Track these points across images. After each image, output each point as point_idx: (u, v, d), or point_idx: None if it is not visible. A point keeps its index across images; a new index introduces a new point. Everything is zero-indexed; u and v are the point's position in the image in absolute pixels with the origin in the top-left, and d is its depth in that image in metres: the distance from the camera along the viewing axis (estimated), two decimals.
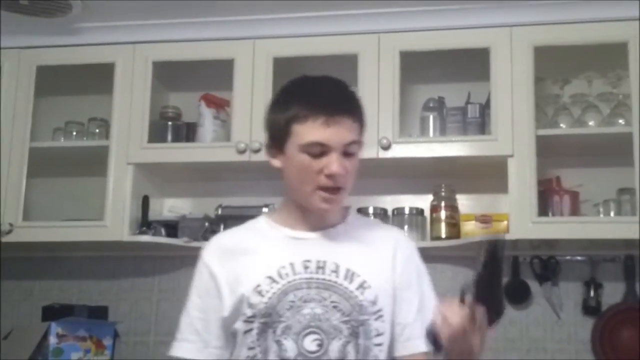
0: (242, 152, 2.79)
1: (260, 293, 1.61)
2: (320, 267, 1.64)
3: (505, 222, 2.70)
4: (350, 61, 2.80)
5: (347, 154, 1.62)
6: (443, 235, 2.83)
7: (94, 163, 2.94)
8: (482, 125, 2.83)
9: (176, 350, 1.71)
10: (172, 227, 2.92)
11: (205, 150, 2.89)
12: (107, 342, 2.97)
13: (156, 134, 2.97)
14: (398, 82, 2.77)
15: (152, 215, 2.96)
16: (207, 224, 2.88)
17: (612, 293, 2.86)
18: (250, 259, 1.68)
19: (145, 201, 2.94)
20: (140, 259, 3.14)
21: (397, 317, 1.68)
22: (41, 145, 3.00)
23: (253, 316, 1.61)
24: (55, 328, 2.87)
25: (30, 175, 2.94)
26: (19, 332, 2.99)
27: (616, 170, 2.78)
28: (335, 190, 1.63)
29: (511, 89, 2.70)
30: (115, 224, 2.83)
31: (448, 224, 2.84)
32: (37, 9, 2.81)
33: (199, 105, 2.99)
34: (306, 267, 1.64)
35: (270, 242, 1.70)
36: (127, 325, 3.09)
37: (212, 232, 2.87)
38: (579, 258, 2.90)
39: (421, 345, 1.63)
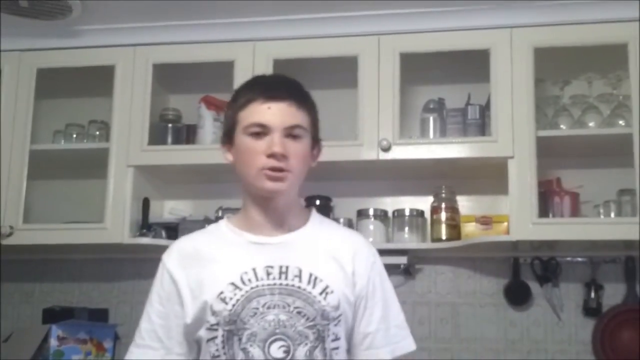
0: None
1: (223, 300, 1.60)
2: (283, 272, 1.63)
3: (506, 224, 2.70)
4: (350, 63, 2.80)
5: (292, 136, 1.66)
6: (443, 237, 2.83)
7: (94, 165, 2.94)
8: (482, 126, 2.83)
9: (137, 356, 1.70)
10: (172, 229, 2.92)
11: (206, 152, 2.89)
12: (108, 344, 2.97)
13: (156, 136, 2.97)
14: (398, 84, 2.77)
15: (153, 217, 2.96)
16: (207, 225, 2.88)
17: (613, 294, 2.86)
18: (212, 265, 1.67)
19: (146, 203, 2.94)
20: (140, 262, 3.13)
21: (358, 325, 1.69)
22: (41, 148, 3.00)
23: (217, 324, 1.60)
24: (56, 330, 2.87)
25: (30, 178, 2.94)
26: (20, 335, 2.99)
27: (616, 171, 2.78)
28: (278, 170, 1.64)
29: (511, 90, 2.70)
30: (116, 227, 2.83)
31: (448, 226, 2.84)
32: (37, 11, 2.81)
33: (199, 107, 2.99)
34: (269, 273, 1.63)
35: (232, 248, 1.70)
36: (128, 327, 3.08)
37: None
38: (579, 259, 2.90)
39: (382, 354, 1.69)
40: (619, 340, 2.81)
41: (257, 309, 1.60)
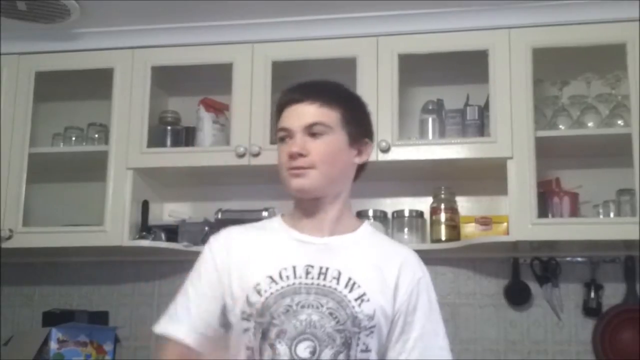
0: (241, 156, 2.79)
1: (259, 292, 1.61)
2: (322, 273, 1.63)
3: (505, 224, 2.70)
4: (349, 64, 2.80)
5: (312, 134, 1.67)
6: (443, 238, 2.83)
7: (93, 168, 2.94)
8: (481, 127, 2.84)
9: (165, 326, 1.68)
10: (172, 232, 2.92)
11: (205, 154, 2.89)
12: (108, 347, 2.97)
13: (155, 139, 2.97)
14: (397, 85, 2.77)
15: (152, 220, 2.96)
16: (206, 228, 2.88)
17: (613, 294, 2.86)
18: (255, 256, 1.68)
19: (145, 206, 2.94)
20: (140, 264, 3.13)
21: (394, 342, 1.66)
22: (40, 151, 3.00)
23: (250, 314, 1.61)
24: (56, 333, 2.86)
25: (29, 181, 2.94)
26: (20, 338, 2.99)
27: (615, 171, 2.78)
28: (296, 167, 1.65)
29: (510, 90, 2.70)
30: (115, 229, 2.83)
31: (448, 226, 2.84)
32: (35, 14, 2.81)
33: (198, 109, 2.99)
34: (308, 272, 1.63)
35: (277, 242, 1.71)
36: (128, 330, 3.09)
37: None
38: (579, 259, 2.90)
39: None
40: (619, 340, 2.81)
41: (291, 306, 1.59)
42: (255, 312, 1.60)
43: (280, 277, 1.62)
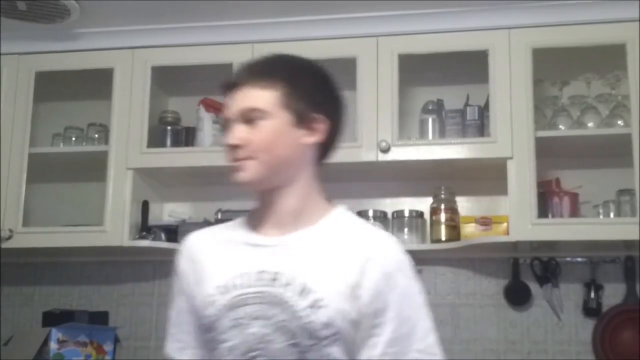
0: None
1: (211, 304, 1.46)
2: (275, 279, 1.43)
3: (505, 224, 2.70)
4: (349, 64, 2.80)
5: (249, 122, 1.49)
6: (443, 238, 2.83)
7: (93, 168, 2.94)
8: (481, 127, 2.84)
9: (166, 345, 1.61)
10: (172, 232, 2.92)
11: (205, 154, 2.89)
12: (108, 347, 2.97)
13: (155, 139, 2.97)
14: (397, 85, 2.77)
15: (152, 220, 2.96)
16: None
17: (613, 294, 2.86)
18: (209, 265, 1.53)
19: (145, 206, 2.94)
20: (140, 264, 3.13)
21: (364, 348, 1.44)
22: (40, 151, 3.00)
23: (206, 328, 1.49)
24: (56, 334, 2.86)
25: (29, 181, 2.94)
26: (20, 338, 2.99)
27: (615, 171, 2.78)
28: (235, 160, 1.50)
29: (510, 91, 2.70)
30: (115, 229, 2.83)
31: (448, 227, 2.84)
32: (35, 14, 2.81)
33: (198, 109, 2.99)
34: (259, 279, 1.44)
35: (231, 247, 1.54)
36: (128, 330, 3.09)
37: None
38: (579, 259, 2.90)
39: None
40: (619, 340, 2.81)
41: (241, 319, 1.42)
42: (207, 326, 1.47)
43: (230, 287, 1.46)
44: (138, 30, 2.95)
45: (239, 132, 1.49)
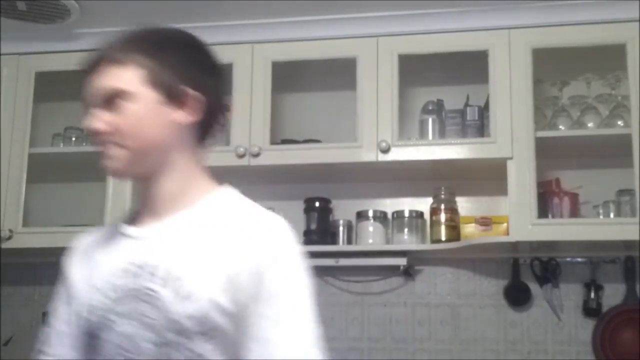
0: (241, 156, 2.79)
1: (86, 305, 1.33)
2: (140, 271, 1.28)
3: (505, 224, 2.70)
4: (348, 65, 2.80)
5: (112, 106, 1.33)
6: (443, 238, 2.83)
7: (93, 168, 2.92)
8: (481, 127, 2.83)
9: None
10: None
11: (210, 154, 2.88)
12: None
13: None
14: (397, 85, 2.77)
15: None
16: None
17: (613, 294, 2.86)
18: (92, 264, 1.39)
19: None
20: None
21: (244, 343, 1.25)
22: (40, 151, 3.00)
23: (82, 329, 1.35)
24: None
25: (29, 181, 2.94)
26: (20, 338, 2.98)
27: (615, 171, 2.78)
28: (104, 147, 1.34)
29: (510, 91, 2.70)
30: None
31: (448, 227, 2.84)
32: (35, 14, 2.81)
33: None
34: (129, 273, 1.30)
35: (110, 242, 1.39)
36: None
37: None
38: (579, 260, 2.90)
39: None
40: (619, 341, 2.81)
41: (111, 318, 1.28)
42: (85, 329, 1.33)
43: (104, 284, 1.32)
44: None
45: (102, 117, 1.33)
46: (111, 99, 1.33)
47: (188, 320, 1.22)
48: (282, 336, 1.23)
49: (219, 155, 2.84)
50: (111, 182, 2.86)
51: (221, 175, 3.05)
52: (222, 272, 1.24)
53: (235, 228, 1.30)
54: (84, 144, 3.07)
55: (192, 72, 1.37)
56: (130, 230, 1.36)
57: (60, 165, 3.10)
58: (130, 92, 1.32)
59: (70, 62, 2.97)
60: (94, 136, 1.34)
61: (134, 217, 1.41)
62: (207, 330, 1.23)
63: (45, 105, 3.10)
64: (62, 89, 3.11)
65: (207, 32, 2.89)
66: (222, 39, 2.90)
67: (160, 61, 1.34)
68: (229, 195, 1.40)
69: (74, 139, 3.08)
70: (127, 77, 1.33)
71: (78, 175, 3.12)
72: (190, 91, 1.35)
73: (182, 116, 1.35)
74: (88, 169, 2.98)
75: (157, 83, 1.33)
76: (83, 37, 2.99)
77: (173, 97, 1.34)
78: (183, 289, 1.24)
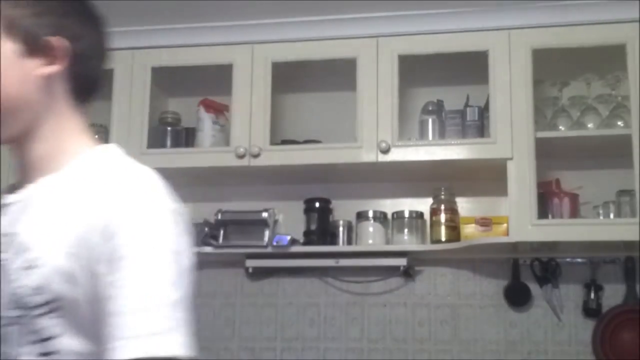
0: (241, 156, 2.79)
1: None
2: (5, 241, 1.14)
3: (505, 225, 2.70)
4: (348, 65, 2.80)
5: None
6: (443, 239, 2.83)
7: None
8: (481, 128, 2.84)
9: None
10: None
11: (205, 155, 2.89)
12: None
13: (155, 140, 2.97)
14: (397, 86, 2.77)
15: None
16: (206, 229, 2.88)
17: (613, 295, 2.85)
18: None
19: None
20: None
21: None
22: None
23: None
24: None
25: None
26: None
27: (615, 172, 2.78)
28: None
29: (510, 91, 2.70)
30: None
31: (448, 227, 2.84)
32: None
33: (198, 110, 2.99)
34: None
35: None
36: None
37: (212, 237, 2.87)
38: (579, 260, 2.90)
39: (114, 353, 1.02)
40: (619, 341, 2.81)
41: None
42: None
43: None
44: (138, 31, 2.94)
45: None
46: None
47: (30, 291, 1.07)
48: (128, 305, 1.03)
49: (219, 156, 2.85)
50: None
51: (222, 175, 3.06)
52: (72, 234, 1.08)
53: (94, 186, 1.13)
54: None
55: (53, 17, 1.20)
56: (5, 198, 1.21)
57: None
58: None
59: None
60: None
61: (16, 185, 1.24)
62: (48, 302, 1.07)
63: None
64: None
65: (207, 33, 2.94)
66: (221, 39, 2.92)
67: (15, 7, 1.17)
68: (105, 155, 1.22)
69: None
70: None
71: None
72: (54, 39, 1.18)
73: (46, 68, 1.18)
74: None
75: (12, 32, 1.16)
76: None
77: (34, 47, 1.17)
78: (30, 259, 1.08)
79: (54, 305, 1.07)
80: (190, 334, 1.07)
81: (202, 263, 3.27)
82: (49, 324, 1.07)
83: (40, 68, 1.18)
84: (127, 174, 1.15)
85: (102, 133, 3.04)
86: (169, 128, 3.04)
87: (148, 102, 2.93)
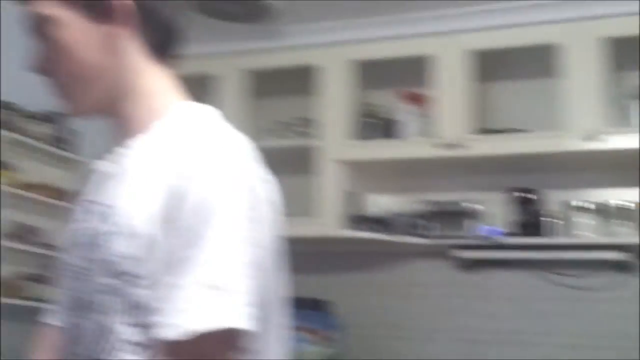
0: (444, 147, 2.76)
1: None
2: (92, 211, 1.12)
3: None
4: (552, 51, 2.70)
5: (45, 37, 1.15)
6: None
7: (301, 161, 3.00)
8: None
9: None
10: (381, 223, 2.94)
11: (407, 146, 2.91)
12: (330, 334, 2.98)
13: (357, 132, 3.01)
14: (605, 71, 2.65)
15: (362, 211, 3.00)
16: (416, 219, 2.88)
17: None
18: None
19: (353, 198, 2.98)
20: (349, 255, 3.15)
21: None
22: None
23: None
24: None
25: None
26: None
27: None
28: (53, 88, 1.17)
29: None
30: (326, 220, 2.90)
31: None
32: (240, 15, 2.93)
33: (398, 101, 3.00)
34: (85, 212, 1.14)
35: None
36: (353, 318, 3.08)
37: (424, 228, 2.85)
38: None
39: (160, 325, 1.00)
40: None
41: (68, 265, 1.14)
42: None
43: (73, 222, 1.17)
44: (338, 26, 3.01)
45: (39, 54, 1.16)
46: (40, 31, 1.15)
47: (119, 259, 1.05)
48: (194, 277, 0.99)
49: (421, 147, 2.84)
50: (321, 175, 2.92)
51: (424, 165, 3.03)
52: (155, 200, 1.04)
53: (175, 149, 1.08)
54: (290, 138, 3.15)
55: None
56: (100, 164, 1.19)
57: (269, 158, 3.18)
58: (49, 16, 1.13)
59: (275, 60, 3.10)
60: (40, 74, 1.17)
61: (109, 151, 1.21)
62: (139, 268, 1.04)
63: (261, 102, 3.19)
64: (268, 86, 3.21)
65: (405, 24, 2.92)
66: (420, 30, 2.91)
67: None
68: (192, 114, 1.15)
69: (279, 133, 3.17)
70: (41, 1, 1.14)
71: (284, 169, 3.20)
72: None
73: (113, 28, 1.14)
74: (295, 162, 3.09)
75: (73, 2, 1.13)
76: (286, 35, 3.09)
77: (96, 11, 1.14)
78: (118, 224, 1.06)
79: (141, 272, 1.04)
80: (256, 309, 1.01)
81: (405, 254, 3.24)
82: (140, 293, 1.04)
83: (107, 30, 1.14)
84: (208, 138, 1.10)
85: (307, 127, 3.11)
86: (371, 120, 3.07)
87: (350, 95, 2.99)
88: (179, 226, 1.01)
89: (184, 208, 1.02)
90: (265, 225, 1.10)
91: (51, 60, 1.14)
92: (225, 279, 0.99)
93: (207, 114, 1.16)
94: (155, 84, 1.18)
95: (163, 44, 1.19)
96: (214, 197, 1.02)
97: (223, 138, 1.11)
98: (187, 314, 0.97)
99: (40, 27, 1.14)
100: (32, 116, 2.78)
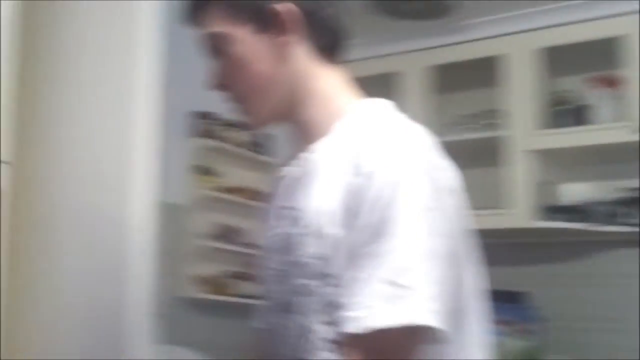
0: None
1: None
2: (284, 217, 1.18)
3: None
4: None
5: (221, 54, 1.20)
6: None
7: (490, 153, 2.98)
8: None
9: None
10: (577, 212, 2.87)
11: (600, 132, 2.83)
12: (529, 327, 2.95)
13: (548, 120, 2.95)
14: None
15: (556, 201, 2.95)
16: (616, 207, 2.79)
17: None
18: None
19: (545, 187, 2.93)
20: (544, 245, 3.10)
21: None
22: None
23: None
24: None
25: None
26: None
27: None
28: (234, 104, 1.24)
29: None
30: (518, 212, 2.87)
31: None
32: (424, 13, 2.97)
33: (589, 86, 2.93)
34: (278, 217, 1.20)
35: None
36: (551, 310, 3.03)
37: (624, 216, 2.76)
38: None
39: (343, 321, 1.03)
40: None
41: (270, 269, 1.20)
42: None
43: (268, 227, 1.24)
44: (520, 15, 2.98)
45: (216, 71, 1.22)
46: (215, 49, 1.21)
47: (311, 260, 1.09)
48: (377, 273, 1.01)
49: (617, 132, 2.74)
50: (513, 165, 2.90)
51: (618, 152, 2.92)
52: (338, 200, 1.08)
53: (356, 149, 1.10)
54: (476, 130, 3.14)
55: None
56: (285, 170, 1.24)
57: (456, 152, 3.18)
58: (223, 34, 1.19)
59: (458, 54, 3.10)
60: (221, 91, 1.23)
61: (291, 157, 1.26)
62: (330, 267, 1.07)
63: (443, 96, 3.21)
64: (450, 80, 3.22)
65: (591, 7, 2.82)
66: (607, 12, 2.80)
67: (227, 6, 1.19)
68: (369, 113, 1.17)
69: (466, 127, 3.16)
70: (214, 16, 1.19)
71: (469, 162, 3.19)
72: (279, 6, 1.16)
73: (285, 37, 1.18)
74: (482, 154, 3.07)
75: (239, 15, 1.18)
76: (468, 29, 3.10)
77: (263, 21, 1.17)
78: (308, 227, 1.10)
79: (330, 271, 1.07)
80: (442, 305, 1.02)
81: (605, 243, 3.14)
82: (331, 291, 1.06)
83: (277, 39, 1.17)
84: (384, 133, 1.12)
85: (494, 118, 3.08)
86: (560, 107, 3.00)
87: (538, 83, 2.94)
88: (360, 222, 1.04)
89: (364, 204, 1.04)
90: (449, 214, 1.11)
91: (229, 76, 1.20)
92: (408, 274, 1.01)
93: (382, 108, 1.19)
94: (329, 86, 1.21)
95: (331, 46, 1.22)
96: (392, 191, 1.03)
97: (398, 130, 1.13)
98: (370, 310, 1.00)
99: (216, 46, 1.20)
100: (230, 124, 2.95)
